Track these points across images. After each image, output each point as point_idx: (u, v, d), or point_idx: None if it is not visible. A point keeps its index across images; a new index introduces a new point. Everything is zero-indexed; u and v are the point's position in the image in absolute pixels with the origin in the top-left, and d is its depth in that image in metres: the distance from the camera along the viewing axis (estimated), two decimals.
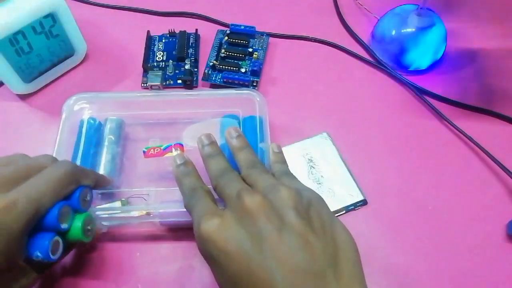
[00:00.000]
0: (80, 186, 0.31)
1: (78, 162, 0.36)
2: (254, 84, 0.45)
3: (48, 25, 0.41)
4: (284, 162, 0.34)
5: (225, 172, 0.30)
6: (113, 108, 0.40)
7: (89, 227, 0.31)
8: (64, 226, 0.29)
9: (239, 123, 0.39)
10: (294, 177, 0.32)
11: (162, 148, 0.36)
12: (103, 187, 0.35)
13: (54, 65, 0.45)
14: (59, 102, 0.45)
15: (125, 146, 0.40)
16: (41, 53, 0.42)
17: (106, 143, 0.38)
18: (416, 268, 0.35)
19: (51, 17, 0.41)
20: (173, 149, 0.35)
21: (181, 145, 0.36)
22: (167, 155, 0.35)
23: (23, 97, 0.45)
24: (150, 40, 0.49)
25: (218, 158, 0.32)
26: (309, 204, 0.27)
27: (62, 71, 0.46)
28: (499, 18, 0.52)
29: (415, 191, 0.39)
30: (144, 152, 0.36)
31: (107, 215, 0.34)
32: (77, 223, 0.30)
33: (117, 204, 0.35)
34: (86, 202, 0.31)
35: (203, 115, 0.40)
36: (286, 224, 0.25)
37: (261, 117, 0.38)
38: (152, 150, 0.36)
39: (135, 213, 0.34)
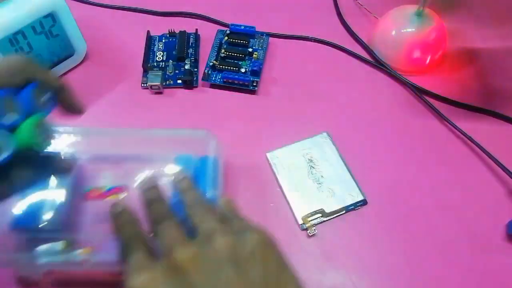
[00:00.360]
0: (35, 83, 0.27)
1: (23, 201, 0.33)
2: (254, 84, 0.45)
3: (48, 25, 0.41)
4: (233, 208, 0.32)
5: (163, 218, 0.28)
6: (65, 142, 0.36)
7: (43, 133, 0.27)
8: (7, 119, 0.25)
9: (193, 164, 0.36)
10: (243, 219, 0.30)
11: (104, 190, 0.34)
12: (70, 106, 0.31)
13: (54, 65, 0.45)
14: None
15: (74, 183, 0.36)
16: (41, 53, 0.42)
17: (54, 179, 0.35)
18: (416, 267, 0.35)
19: (51, 17, 0.41)
20: (117, 192, 0.33)
21: (124, 187, 0.34)
22: (109, 198, 0.33)
23: None
24: (150, 40, 0.49)
25: (157, 204, 0.30)
26: (252, 253, 0.25)
27: (62, 71, 0.46)
28: (499, 18, 0.52)
29: (415, 191, 0.39)
30: (85, 193, 0.34)
31: (47, 259, 0.31)
32: (28, 121, 0.26)
33: (60, 245, 0.32)
34: (42, 102, 0.27)
35: (157, 155, 0.37)
36: (221, 279, 0.24)
37: (215, 159, 0.36)
38: (94, 192, 0.34)
39: (78, 256, 0.31)
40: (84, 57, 0.47)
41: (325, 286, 0.34)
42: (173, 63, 0.47)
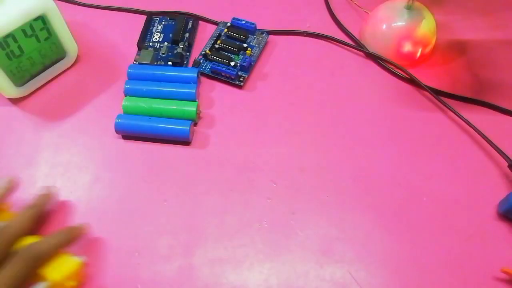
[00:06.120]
0: None
1: None
2: (241, 79, 0.45)
3: (38, 27, 0.41)
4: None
5: None
6: None
7: None
8: None
9: None
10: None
11: None
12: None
13: (46, 68, 0.44)
14: (52, 105, 0.45)
15: None
16: (32, 56, 0.42)
17: None
18: (412, 256, 0.36)
19: (41, 19, 0.41)
20: None
21: None
22: None
23: (15, 101, 0.44)
24: (150, 21, 0.50)
25: None
26: None
27: (54, 73, 0.46)
28: (486, 9, 0.53)
29: (410, 181, 0.39)
30: None
31: None
32: None
33: None
34: None
35: None
36: None
37: None
38: None
39: None
40: (75, 59, 0.47)
41: (324, 279, 0.35)
42: (168, 45, 0.47)
